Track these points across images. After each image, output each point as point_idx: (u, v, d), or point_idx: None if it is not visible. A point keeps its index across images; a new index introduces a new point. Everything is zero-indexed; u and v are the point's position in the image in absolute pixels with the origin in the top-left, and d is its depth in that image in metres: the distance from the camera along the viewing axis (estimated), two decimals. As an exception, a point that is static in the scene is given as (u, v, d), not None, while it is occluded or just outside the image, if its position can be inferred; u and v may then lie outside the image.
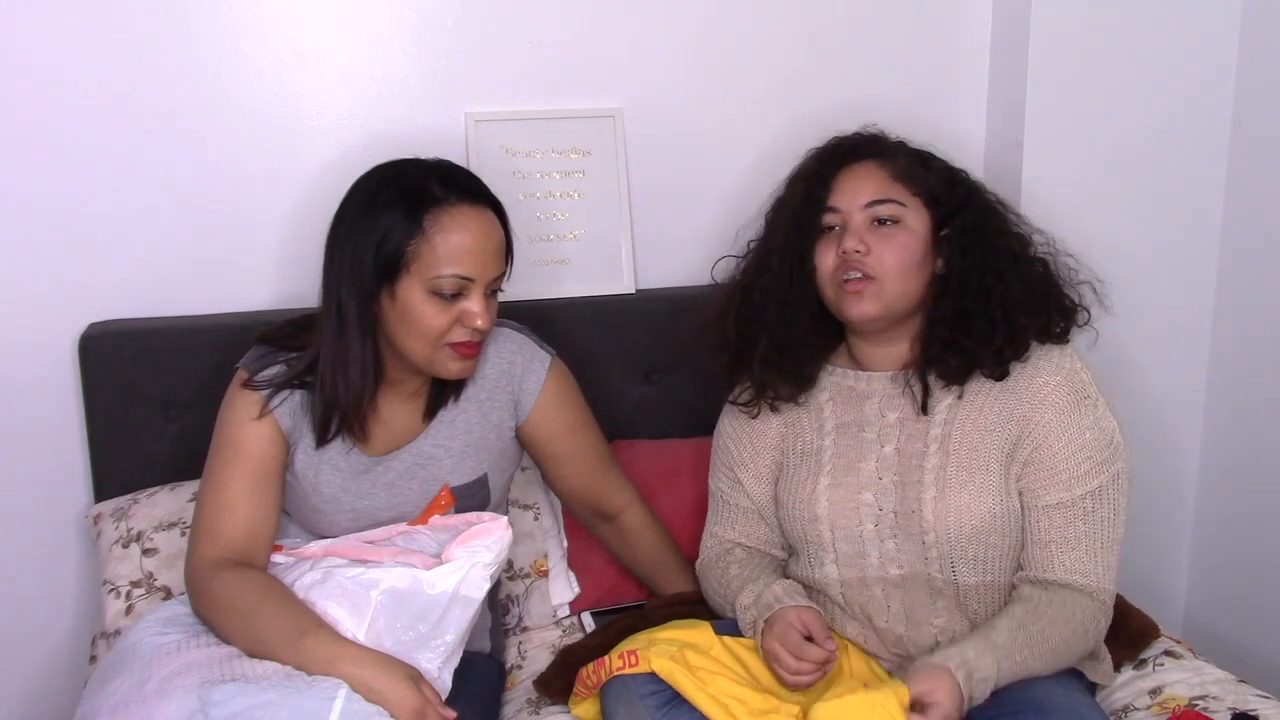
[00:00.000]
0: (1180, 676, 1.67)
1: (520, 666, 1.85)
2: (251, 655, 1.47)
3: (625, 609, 1.91)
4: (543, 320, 1.93)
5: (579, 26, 2.11)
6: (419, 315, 1.55)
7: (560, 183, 2.14)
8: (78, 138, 1.95)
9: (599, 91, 2.15)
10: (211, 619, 1.55)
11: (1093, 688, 1.66)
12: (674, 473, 2.01)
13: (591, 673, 1.58)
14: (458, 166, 1.63)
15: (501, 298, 1.66)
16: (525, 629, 1.94)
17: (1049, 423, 1.57)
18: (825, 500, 1.63)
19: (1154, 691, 1.65)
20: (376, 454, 1.67)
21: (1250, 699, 1.59)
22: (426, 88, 2.07)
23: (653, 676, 1.51)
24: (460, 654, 1.54)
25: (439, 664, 1.51)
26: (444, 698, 1.48)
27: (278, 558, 1.63)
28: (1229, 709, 1.56)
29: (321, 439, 1.63)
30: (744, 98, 2.20)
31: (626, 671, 1.52)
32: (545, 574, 1.97)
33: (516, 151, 2.11)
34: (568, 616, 1.97)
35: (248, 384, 1.62)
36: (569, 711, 1.65)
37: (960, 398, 1.61)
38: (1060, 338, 1.63)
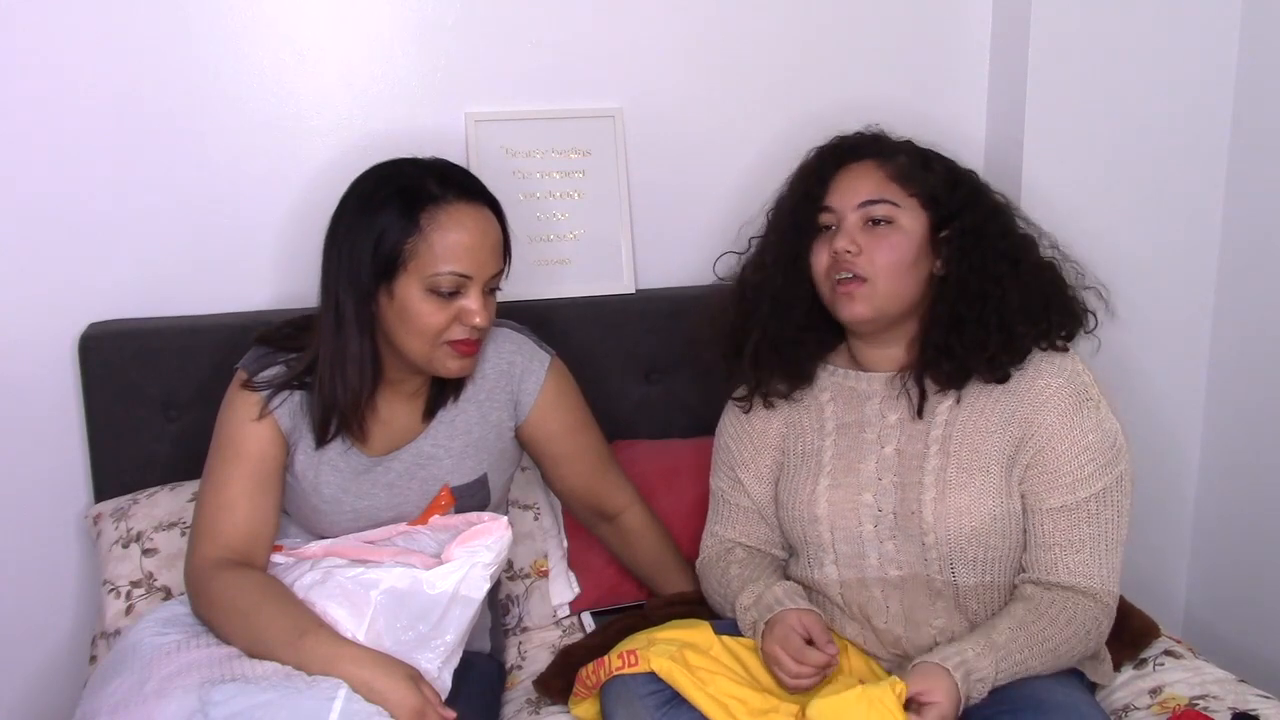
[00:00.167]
0: (1180, 676, 1.67)
1: (520, 666, 1.85)
2: (251, 655, 1.47)
3: (625, 609, 1.91)
4: (543, 320, 1.93)
5: (579, 26, 2.11)
6: (417, 313, 1.55)
7: (560, 183, 2.14)
8: (78, 138, 1.95)
9: (599, 91, 2.15)
10: (211, 619, 1.55)
11: (1093, 687, 1.66)
12: (674, 473, 2.01)
13: (591, 673, 1.58)
14: (454, 165, 1.63)
15: (501, 298, 1.66)
16: (525, 629, 1.94)
17: (1052, 425, 1.57)
18: (825, 501, 1.63)
19: (1154, 691, 1.65)
20: (376, 454, 1.67)
21: (1250, 699, 1.59)
22: (426, 88, 2.07)
23: (652, 676, 1.51)
24: (460, 654, 1.54)
25: (439, 664, 1.51)
26: (444, 698, 1.48)
27: (278, 558, 1.63)
28: (1229, 709, 1.56)
29: (321, 439, 1.63)
30: (744, 97, 2.20)
31: (626, 671, 1.52)
32: (545, 574, 1.97)
33: (516, 151, 2.11)
34: (568, 616, 1.97)
35: (247, 385, 1.62)
36: (569, 711, 1.65)
37: (958, 402, 1.61)
38: (1061, 347, 1.62)
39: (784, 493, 1.69)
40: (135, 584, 1.85)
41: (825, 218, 1.64)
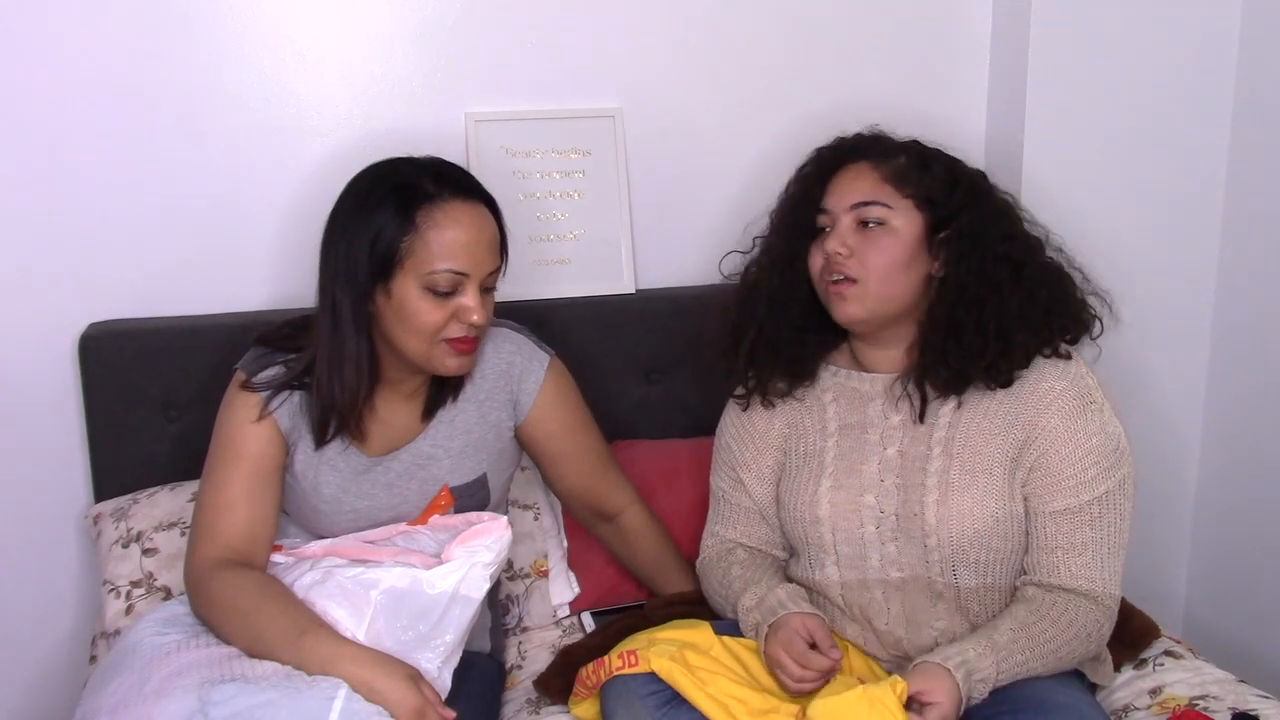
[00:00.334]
0: (1180, 676, 1.67)
1: (520, 666, 1.85)
2: (251, 655, 1.47)
3: (625, 609, 1.91)
4: (542, 320, 1.93)
5: (579, 27, 2.11)
6: (415, 312, 1.55)
7: (560, 183, 2.14)
8: (78, 138, 1.95)
9: (599, 91, 2.15)
10: (211, 619, 1.55)
11: (1093, 688, 1.66)
12: (674, 473, 2.01)
13: (591, 673, 1.58)
14: (450, 163, 1.63)
15: (501, 298, 1.66)
16: (525, 629, 1.94)
17: (1055, 428, 1.56)
18: (827, 502, 1.63)
19: (1154, 691, 1.65)
20: (376, 454, 1.67)
21: (1250, 699, 1.59)
22: (426, 88, 2.07)
23: (652, 676, 1.51)
24: (460, 654, 1.54)
25: (439, 664, 1.51)
26: (444, 697, 1.48)
27: (278, 558, 1.63)
28: (1229, 709, 1.56)
29: (320, 440, 1.63)
30: (744, 97, 2.20)
31: (626, 671, 1.52)
32: (545, 574, 1.97)
33: (516, 151, 2.11)
34: (568, 616, 1.97)
35: (246, 386, 1.62)
36: (569, 711, 1.65)
37: (959, 406, 1.61)
38: (1064, 353, 1.61)
39: (786, 493, 1.69)
40: (135, 584, 1.85)
41: (822, 219, 1.64)
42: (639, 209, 2.18)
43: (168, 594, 1.83)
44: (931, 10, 2.24)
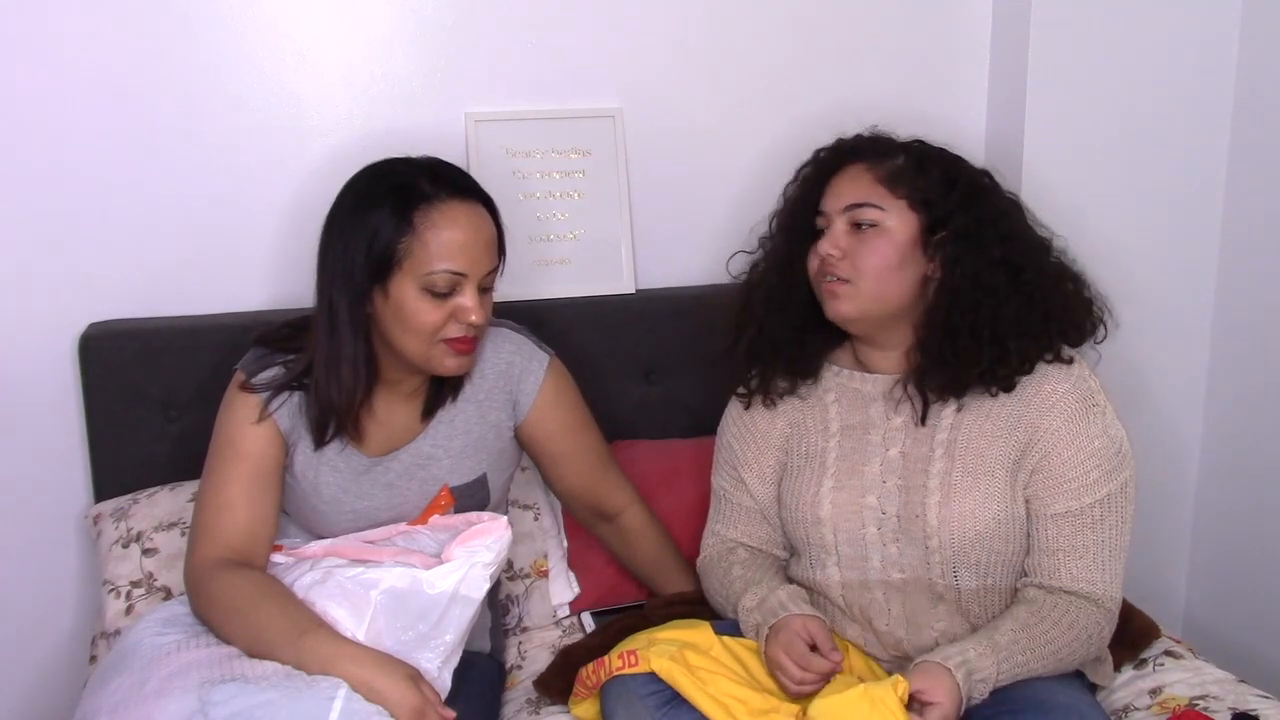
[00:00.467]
0: (1180, 676, 1.67)
1: (520, 666, 1.85)
2: (251, 655, 1.47)
3: (625, 609, 1.91)
4: (542, 320, 1.93)
5: (579, 26, 2.11)
6: (413, 312, 1.55)
7: (560, 183, 2.14)
8: (78, 138, 1.95)
9: (599, 91, 2.15)
10: (211, 619, 1.55)
11: (1093, 688, 1.66)
12: (674, 473, 2.01)
13: (591, 673, 1.58)
14: (447, 163, 1.63)
15: (501, 297, 1.66)
16: (525, 629, 1.94)
17: (1057, 431, 1.56)
18: (829, 503, 1.63)
19: (1154, 691, 1.65)
20: (375, 455, 1.67)
21: (1250, 699, 1.59)
22: (426, 88, 2.07)
23: (652, 676, 1.51)
24: (460, 654, 1.54)
25: (439, 664, 1.51)
26: (444, 697, 1.48)
27: (278, 558, 1.63)
28: (1229, 709, 1.56)
29: (319, 441, 1.63)
30: (744, 97, 2.20)
31: (626, 671, 1.52)
32: (545, 574, 1.97)
33: (516, 151, 2.11)
34: (568, 616, 1.97)
35: (246, 388, 1.62)
36: (569, 711, 1.65)
37: (962, 408, 1.61)
38: (1065, 359, 1.60)
39: (787, 494, 1.69)
40: (135, 584, 1.85)
41: (819, 221, 1.65)
42: (639, 209, 2.18)
43: (168, 594, 1.83)
44: (931, 10, 2.25)
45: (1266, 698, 1.60)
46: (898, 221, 1.59)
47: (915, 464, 1.60)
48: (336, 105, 2.05)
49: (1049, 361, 1.59)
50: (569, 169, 2.14)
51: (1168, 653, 1.74)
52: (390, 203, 1.54)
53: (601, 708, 1.56)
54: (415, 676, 1.45)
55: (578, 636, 1.87)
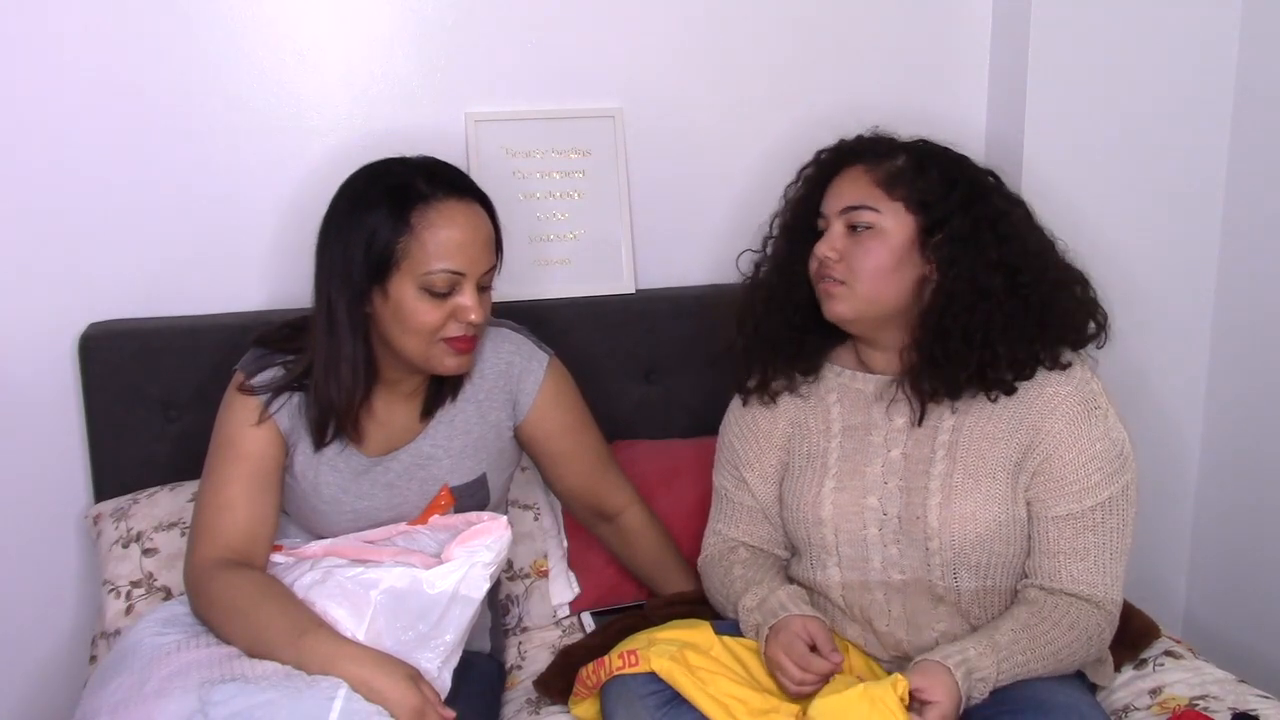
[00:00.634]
0: (1180, 676, 1.67)
1: (520, 666, 1.85)
2: (251, 655, 1.47)
3: (625, 609, 1.91)
4: (542, 320, 1.93)
5: (579, 26, 2.11)
6: (412, 312, 1.55)
7: (560, 183, 2.14)
8: (78, 137, 1.95)
9: (599, 91, 2.15)
10: (211, 619, 1.55)
11: (1094, 688, 1.66)
12: (674, 473, 2.01)
13: (591, 673, 1.58)
14: (443, 162, 1.63)
15: (501, 297, 1.66)
16: (525, 629, 1.94)
17: (1059, 433, 1.56)
18: (830, 503, 1.63)
19: (1154, 691, 1.65)
20: (375, 455, 1.67)
21: (1250, 699, 1.59)
22: (426, 88, 2.07)
23: (653, 676, 1.51)
24: (460, 654, 1.54)
25: (439, 663, 1.51)
26: (444, 697, 1.48)
27: (278, 558, 1.63)
28: (1229, 709, 1.56)
29: (319, 442, 1.63)
30: (744, 97, 2.20)
31: (626, 671, 1.52)
32: (545, 574, 1.97)
33: (516, 151, 2.11)
34: (568, 616, 1.97)
35: (245, 389, 1.62)
36: (569, 711, 1.65)
37: (961, 410, 1.60)
38: (1062, 364, 1.59)
39: (789, 494, 1.69)
40: (135, 584, 1.85)
41: (820, 222, 1.65)
42: (639, 209, 2.18)
43: (168, 594, 1.83)
44: (932, 10, 2.25)
45: (1266, 698, 1.60)
46: (894, 224, 1.59)
47: (917, 465, 1.60)
48: (336, 105, 2.05)
49: (1048, 368, 1.59)
50: (569, 169, 2.14)
51: (1168, 653, 1.74)
52: (387, 203, 1.54)
53: (601, 708, 1.56)
54: (415, 676, 1.45)
55: (578, 636, 1.87)
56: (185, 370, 1.95)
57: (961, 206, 1.59)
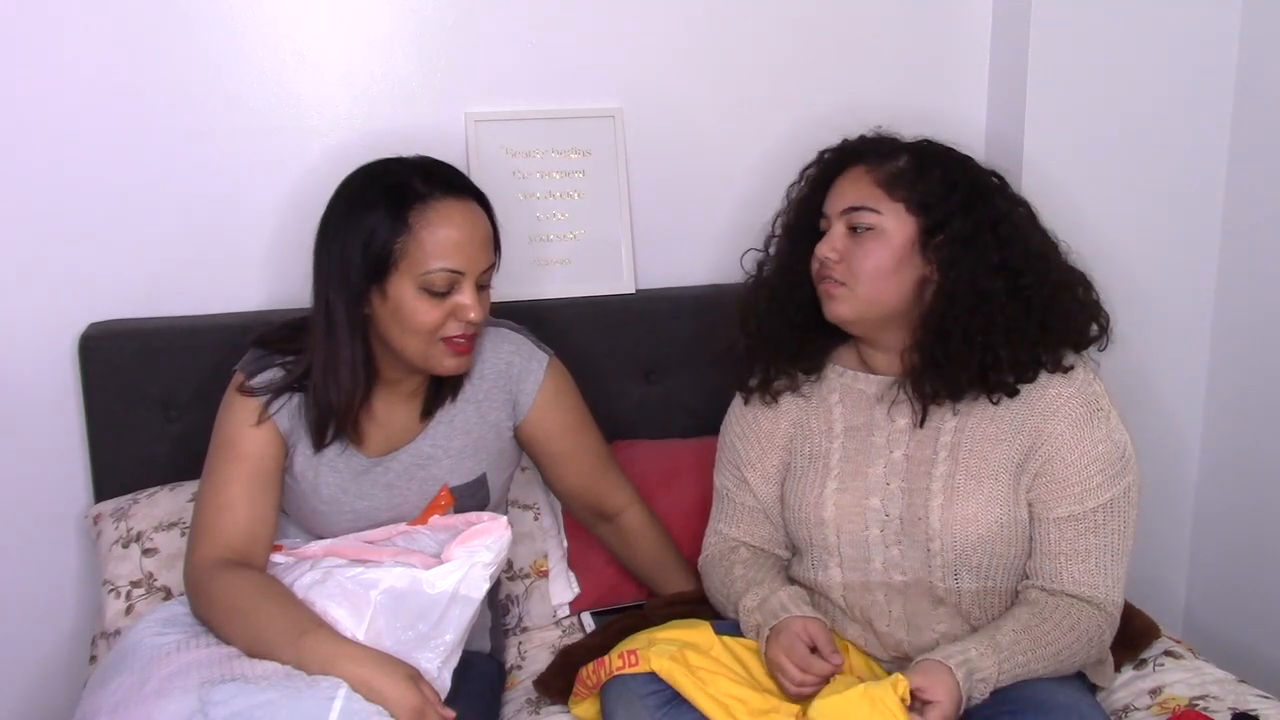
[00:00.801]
0: (1180, 676, 1.67)
1: (520, 666, 1.85)
2: (251, 655, 1.47)
3: (625, 609, 1.91)
4: (542, 320, 1.93)
5: (579, 26, 2.11)
6: (412, 312, 1.55)
7: (560, 183, 2.14)
8: (78, 137, 1.95)
9: (599, 91, 2.15)
10: (210, 619, 1.54)
11: (1094, 688, 1.66)
12: (674, 473, 2.01)
13: (591, 673, 1.58)
14: (439, 161, 1.63)
15: (500, 297, 1.66)
16: (525, 629, 1.94)
17: (1061, 435, 1.56)
18: (832, 504, 1.63)
19: (1154, 691, 1.65)
20: (375, 455, 1.67)
21: (1250, 699, 1.59)
22: (426, 88, 2.07)
23: (653, 676, 1.51)
24: (460, 654, 1.54)
25: (438, 663, 1.51)
26: (444, 697, 1.48)
27: (278, 558, 1.63)
28: (1229, 709, 1.56)
29: (318, 444, 1.63)
30: (744, 97, 2.20)
31: (626, 671, 1.52)
32: (545, 574, 1.97)
33: (516, 151, 2.11)
34: (568, 616, 1.97)
35: (245, 390, 1.62)
36: (569, 711, 1.65)
37: (963, 412, 1.60)
38: (1064, 368, 1.59)
39: (790, 494, 1.69)
40: (135, 584, 1.85)
41: (822, 222, 1.65)
42: (639, 209, 2.18)
43: (168, 594, 1.83)
44: (931, 10, 2.24)
45: (1266, 698, 1.60)
46: (895, 225, 1.59)
47: (919, 466, 1.60)
48: (336, 105, 2.05)
49: (1050, 371, 1.59)
50: (569, 169, 2.14)
51: (1168, 653, 1.74)
52: (385, 203, 1.54)
53: (601, 708, 1.56)
54: (415, 676, 1.45)
55: (578, 636, 1.87)
56: (185, 370, 1.95)
57: (963, 208, 1.58)
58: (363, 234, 1.54)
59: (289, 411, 1.63)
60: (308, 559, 1.60)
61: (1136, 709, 1.63)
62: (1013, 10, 2.19)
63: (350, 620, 1.49)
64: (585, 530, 1.94)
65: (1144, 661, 1.72)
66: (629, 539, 1.88)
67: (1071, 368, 1.60)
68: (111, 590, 1.86)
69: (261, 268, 2.05)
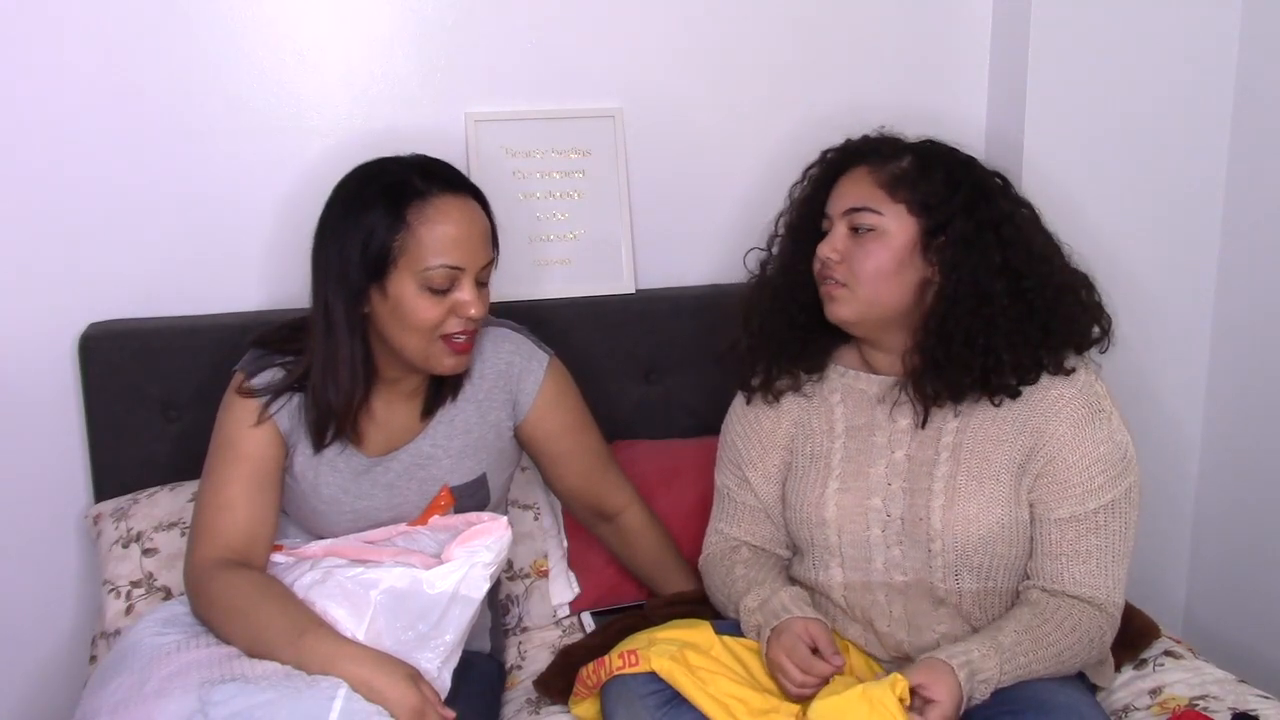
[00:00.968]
0: (1180, 676, 1.67)
1: (520, 666, 1.85)
2: (251, 655, 1.47)
3: (625, 609, 1.91)
4: (542, 320, 1.93)
5: (579, 26, 2.11)
6: (412, 309, 1.55)
7: (560, 183, 2.14)
8: (78, 137, 1.95)
9: (599, 91, 2.15)
10: (210, 619, 1.55)
11: (1094, 688, 1.66)
12: (674, 473, 2.01)
13: (591, 673, 1.58)
14: (436, 159, 1.63)
15: (500, 297, 1.66)
16: (525, 629, 1.94)
17: (1063, 436, 1.56)
18: (834, 504, 1.63)
19: (1154, 691, 1.65)
20: (375, 455, 1.67)
21: (1250, 699, 1.59)
22: (426, 88, 2.07)
23: (653, 676, 1.51)
24: (460, 654, 1.54)
25: (438, 664, 1.51)
26: (444, 697, 1.48)
27: (278, 558, 1.63)
28: (1229, 709, 1.56)
29: (318, 444, 1.63)
30: (745, 97, 2.20)
31: (626, 671, 1.52)
32: (545, 574, 1.97)
33: (516, 151, 2.11)
34: (568, 616, 1.97)
35: (245, 391, 1.62)
36: (569, 711, 1.65)
37: (964, 413, 1.60)
38: (1066, 370, 1.59)
39: (792, 494, 1.69)
40: (135, 584, 1.85)
41: (824, 223, 1.65)
42: (639, 209, 2.18)
43: (168, 594, 1.83)
44: (931, 10, 2.24)
45: (1266, 698, 1.60)
46: (897, 226, 1.59)
47: (920, 467, 1.60)
48: (336, 105, 2.05)
49: (1052, 373, 1.59)
50: (569, 169, 2.14)
51: (1168, 653, 1.74)
52: (383, 202, 1.54)
53: (601, 708, 1.56)
54: (415, 676, 1.45)
55: (578, 636, 1.87)
56: (185, 370, 1.95)
57: (964, 209, 1.58)
58: (361, 233, 1.54)
59: (289, 412, 1.63)
60: (308, 559, 1.60)
61: (1136, 709, 1.63)
62: (1013, 10, 2.19)
63: (350, 620, 1.49)
64: (585, 530, 1.94)
65: (1144, 661, 1.72)
66: (629, 539, 1.88)
67: (1073, 369, 1.60)
68: (111, 590, 1.86)
69: (261, 268, 2.05)
